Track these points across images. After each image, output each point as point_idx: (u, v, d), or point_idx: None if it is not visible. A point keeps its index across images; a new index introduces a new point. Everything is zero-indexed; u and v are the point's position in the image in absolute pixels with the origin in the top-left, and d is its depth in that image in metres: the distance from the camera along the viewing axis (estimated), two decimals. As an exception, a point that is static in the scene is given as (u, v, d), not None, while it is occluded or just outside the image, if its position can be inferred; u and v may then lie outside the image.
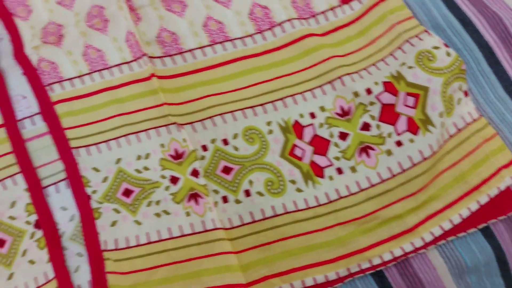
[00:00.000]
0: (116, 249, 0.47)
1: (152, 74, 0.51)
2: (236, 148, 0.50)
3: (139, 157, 0.49)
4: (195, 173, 0.48)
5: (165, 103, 0.50)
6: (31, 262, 0.46)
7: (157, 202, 0.48)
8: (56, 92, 0.51)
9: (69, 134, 0.50)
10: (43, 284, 0.46)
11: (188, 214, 0.48)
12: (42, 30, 0.53)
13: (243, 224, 0.48)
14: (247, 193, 0.49)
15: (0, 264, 0.46)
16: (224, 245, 0.47)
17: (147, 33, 0.53)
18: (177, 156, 0.49)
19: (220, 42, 0.53)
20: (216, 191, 0.48)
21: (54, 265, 0.46)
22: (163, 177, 0.49)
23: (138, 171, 0.49)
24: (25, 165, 0.49)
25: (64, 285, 0.46)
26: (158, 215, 0.48)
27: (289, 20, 0.53)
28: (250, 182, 0.49)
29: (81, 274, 0.46)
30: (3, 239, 0.47)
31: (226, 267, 0.46)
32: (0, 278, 0.46)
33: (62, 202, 0.48)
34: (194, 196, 0.48)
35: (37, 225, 0.47)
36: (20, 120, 0.50)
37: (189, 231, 0.47)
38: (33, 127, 0.50)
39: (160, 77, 0.52)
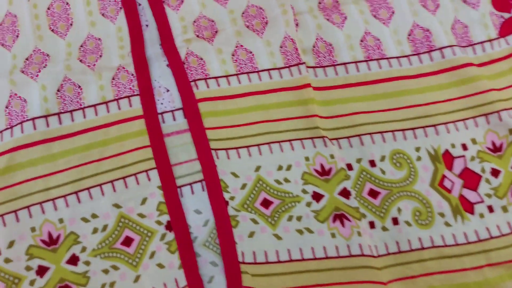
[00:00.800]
0: (254, 263, 0.43)
1: (307, 84, 0.49)
2: (383, 171, 0.47)
3: (280, 167, 0.46)
4: (345, 193, 0.45)
5: (316, 115, 0.48)
6: (160, 265, 0.43)
7: (298, 218, 0.45)
8: (200, 89, 0.49)
9: (209, 134, 0.47)
10: None
11: (333, 235, 0.44)
12: (193, 24, 0.52)
13: (389, 254, 0.44)
14: (395, 221, 0.45)
15: (125, 264, 0.43)
16: (371, 274, 0.43)
17: (304, 41, 0.51)
18: (323, 172, 0.46)
19: (376, 59, 0.51)
20: (363, 215, 0.46)
21: (186, 273, 0.43)
22: (305, 191, 0.46)
23: (278, 181, 0.46)
24: (161, 161, 0.46)
25: None
26: (300, 232, 0.44)
27: (450, 46, 0.51)
28: (399, 210, 0.45)
29: (215, 285, 0.42)
30: (130, 238, 0.44)
31: (372, 297, 0.44)
32: (125, 279, 0.42)
33: (196, 204, 0.45)
34: (340, 217, 0.45)
35: (169, 226, 0.44)
36: (160, 113, 0.48)
37: (334, 254, 0.44)
38: (173, 123, 0.48)
39: (314, 88, 0.50)
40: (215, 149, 0.47)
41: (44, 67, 0.48)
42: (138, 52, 0.50)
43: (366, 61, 0.51)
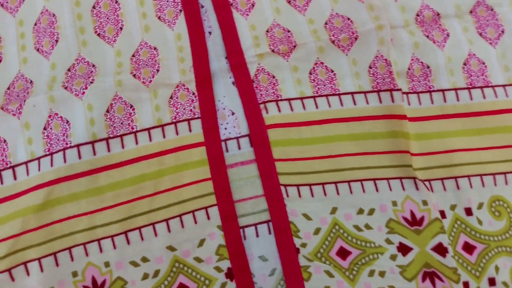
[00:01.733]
0: (329, 324, 0.39)
1: (402, 116, 0.40)
2: (479, 221, 0.40)
3: (360, 211, 0.40)
4: (441, 249, 0.38)
5: (407, 151, 0.40)
6: None
7: (382, 274, 0.38)
8: (270, 113, 0.41)
9: (279, 167, 0.40)
10: None
11: (425, 296, 0.40)
12: (266, 34, 0.43)
13: (483, 320, 0.40)
14: (492, 282, 0.39)
15: None
16: None
17: (398, 62, 0.42)
18: (414, 221, 0.39)
19: (479, 87, 0.43)
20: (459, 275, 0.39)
21: None
22: (389, 242, 0.39)
23: (357, 228, 0.39)
24: (223, 197, 0.39)
25: None
26: (384, 290, 0.40)
27: None
28: (496, 268, 0.39)
29: None
30: (185, 285, 0.37)
31: None
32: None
33: (261, 250, 0.39)
34: (431, 276, 0.38)
35: (230, 274, 0.38)
36: (223, 140, 0.40)
37: (423, 318, 0.39)
38: (238, 152, 0.40)
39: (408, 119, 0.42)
40: (285, 185, 0.40)
41: (91, 82, 0.40)
42: (202, 67, 0.41)
43: (468, 88, 0.43)
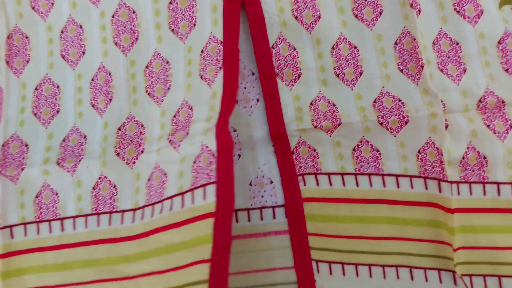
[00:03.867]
0: None
1: (449, 209, 0.37)
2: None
3: (392, 299, 0.39)
4: None
5: (447, 243, 0.37)
6: None
7: None
8: (308, 186, 0.40)
9: (312, 241, 0.39)
10: None
11: None
12: (310, 107, 0.41)
13: None
14: None
15: None
16: None
17: (451, 151, 0.38)
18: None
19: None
20: None
21: None
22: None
23: (388, 316, 0.39)
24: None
25: None
26: None
27: None
28: None
29: None
30: None
31: None
32: None
33: (288, 325, 0.40)
34: None
35: None
36: (259, 208, 0.40)
37: None
38: (273, 221, 0.40)
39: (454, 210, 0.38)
40: (317, 260, 0.39)
41: (141, 151, 0.40)
42: (223, 122, 0.36)
43: None
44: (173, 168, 0.38)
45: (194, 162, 0.37)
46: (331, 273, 0.39)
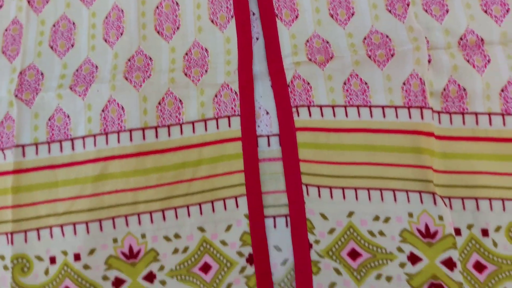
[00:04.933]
0: (331, 317, 0.40)
1: (430, 133, 0.41)
2: (495, 244, 0.39)
3: (376, 218, 0.41)
4: (449, 263, 0.39)
5: (430, 167, 0.41)
6: None
7: (388, 279, 0.39)
8: (301, 117, 0.43)
9: (303, 167, 0.42)
10: None
11: (425, 306, 0.40)
12: (306, 44, 0.45)
13: None
14: None
15: None
16: None
17: (434, 83, 0.42)
18: (427, 234, 0.40)
19: (515, 114, 0.43)
20: None
21: None
22: (401, 250, 0.40)
23: (371, 233, 0.41)
24: (253, 189, 0.42)
25: None
26: (388, 294, 0.41)
27: None
28: (506, 291, 0.40)
29: (287, 331, 0.41)
30: (209, 264, 0.41)
31: None
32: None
33: (277, 240, 0.42)
34: (437, 287, 0.40)
35: (250, 259, 0.41)
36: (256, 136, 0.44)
37: (424, 326, 0.39)
38: (267, 149, 0.43)
39: (435, 137, 0.42)
40: (307, 184, 0.42)
41: (148, 76, 0.45)
42: (246, 72, 0.45)
43: (502, 114, 0.42)
44: (189, 96, 0.44)
45: (215, 96, 0.45)
46: (319, 196, 0.42)
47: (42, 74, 0.46)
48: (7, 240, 0.42)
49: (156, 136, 0.43)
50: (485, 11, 0.44)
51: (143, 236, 0.42)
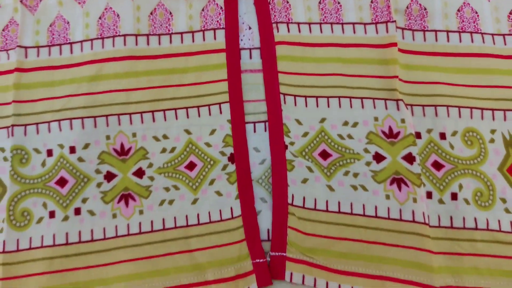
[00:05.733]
0: (302, 207, 0.43)
1: (394, 44, 0.46)
2: (451, 146, 0.44)
3: (345, 123, 0.45)
4: (409, 158, 0.43)
5: (396, 77, 0.45)
6: (218, 193, 0.44)
7: (355, 175, 0.44)
8: (280, 33, 0.47)
9: (281, 78, 0.46)
10: (228, 219, 0.43)
11: (387, 197, 0.43)
12: None
13: (440, 227, 0.42)
14: (454, 196, 0.43)
15: (186, 186, 0.44)
16: (420, 240, 0.41)
17: (398, 1, 0.48)
18: (391, 135, 0.44)
19: (469, 32, 0.47)
20: (423, 183, 0.43)
21: (242, 204, 0.43)
22: (367, 151, 0.44)
23: (341, 136, 0.45)
24: (235, 96, 0.46)
25: (250, 227, 0.43)
26: (354, 187, 0.43)
27: None
28: (460, 186, 0.43)
29: (262, 219, 0.43)
30: (194, 163, 0.45)
31: (416, 263, 0.41)
32: (183, 199, 0.44)
33: (256, 142, 0.46)
34: (398, 181, 0.43)
35: (231, 158, 0.45)
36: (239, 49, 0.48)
37: (385, 214, 0.42)
38: (249, 61, 0.47)
39: (399, 50, 0.47)
40: (284, 94, 0.46)
41: None
42: None
43: (458, 32, 0.47)
44: (179, 9, 0.48)
45: (203, 10, 0.49)
46: (295, 104, 0.46)
47: None
48: (7, 133, 0.45)
49: (148, 43, 0.47)
50: None
51: (134, 135, 0.45)
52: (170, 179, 0.44)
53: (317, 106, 0.46)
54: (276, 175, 0.44)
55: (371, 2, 0.48)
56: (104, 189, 0.44)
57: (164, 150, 0.45)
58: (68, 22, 0.48)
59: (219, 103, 0.46)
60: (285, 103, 0.46)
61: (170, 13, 0.48)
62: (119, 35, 0.47)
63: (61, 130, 0.45)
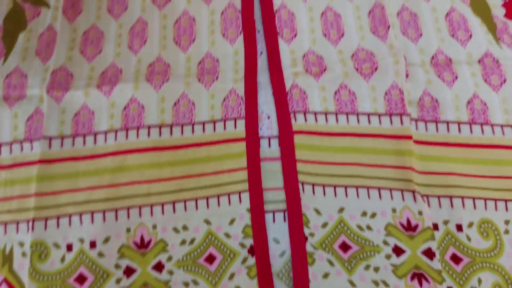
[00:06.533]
0: (325, 303, 0.43)
1: (409, 136, 0.47)
2: (468, 238, 0.44)
3: (364, 213, 0.45)
4: (429, 253, 0.43)
5: (411, 168, 0.46)
6: None
7: (376, 269, 0.43)
8: (298, 122, 0.48)
9: (299, 166, 0.46)
10: None
11: (410, 293, 0.44)
12: (303, 58, 0.51)
13: (461, 322, 0.43)
14: None
15: (205, 281, 0.43)
16: None
17: (411, 93, 0.49)
18: (409, 227, 0.44)
19: (479, 123, 0.48)
20: (444, 279, 0.43)
21: None
22: (386, 243, 0.44)
23: (360, 227, 0.45)
24: (255, 185, 0.46)
25: None
26: (376, 283, 0.42)
27: None
28: (479, 281, 0.43)
29: (284, 318, 0.43)
30: (213, 255, 0.44)
31: None
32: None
33: (275, 233, 0.45)
34: (419, 277, 0.43)
35: (251, 250, 0.44)
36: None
37: (407, 310, 0.43)
38: (268, 149, 0.48)
39: (414, 141, 0.48)
40: (302, 182, 0.46)
41: (166, 80, 0.50)
42: (251, 79, 0.50)
43: (469, 123, 0.48)
44: (201, 100, 0.49)
45: (224, 100, 0.49)
46: (314, 193, 0.46)
47: (71, 74, 0.51)
48: (27, 227, 0.44)
49: (171, 133, 0.48)
50: (452, 35, 0.53)
51: (154, 226, 0.45)
52: (190, 273, 0.43)
53: (335, 195, 0.46)
54: (297, 270, 0.43)
55: (385, 94, 0.49)
56: (123, 284, 0.42)
57: (183, 242, 0.44)
58: (93, 112, 0.48)
59: (239, 192, 0.46)
60: (303, 191, 0.46)
61: (193, 103, 0.49)
62: (143, 127, 0.47)
63: (82, 224, 0.44)
